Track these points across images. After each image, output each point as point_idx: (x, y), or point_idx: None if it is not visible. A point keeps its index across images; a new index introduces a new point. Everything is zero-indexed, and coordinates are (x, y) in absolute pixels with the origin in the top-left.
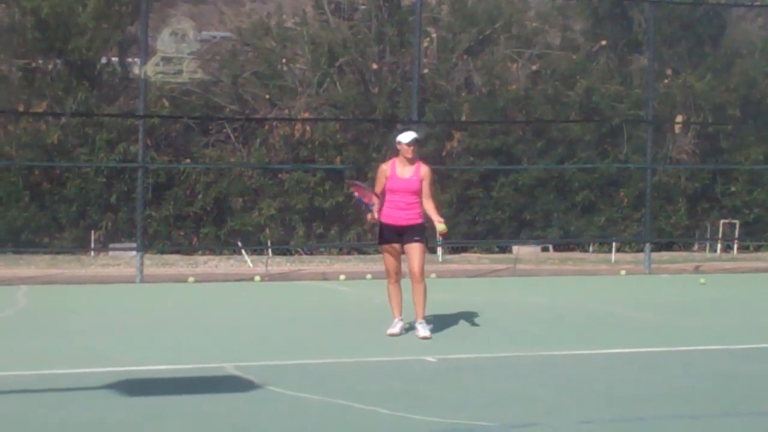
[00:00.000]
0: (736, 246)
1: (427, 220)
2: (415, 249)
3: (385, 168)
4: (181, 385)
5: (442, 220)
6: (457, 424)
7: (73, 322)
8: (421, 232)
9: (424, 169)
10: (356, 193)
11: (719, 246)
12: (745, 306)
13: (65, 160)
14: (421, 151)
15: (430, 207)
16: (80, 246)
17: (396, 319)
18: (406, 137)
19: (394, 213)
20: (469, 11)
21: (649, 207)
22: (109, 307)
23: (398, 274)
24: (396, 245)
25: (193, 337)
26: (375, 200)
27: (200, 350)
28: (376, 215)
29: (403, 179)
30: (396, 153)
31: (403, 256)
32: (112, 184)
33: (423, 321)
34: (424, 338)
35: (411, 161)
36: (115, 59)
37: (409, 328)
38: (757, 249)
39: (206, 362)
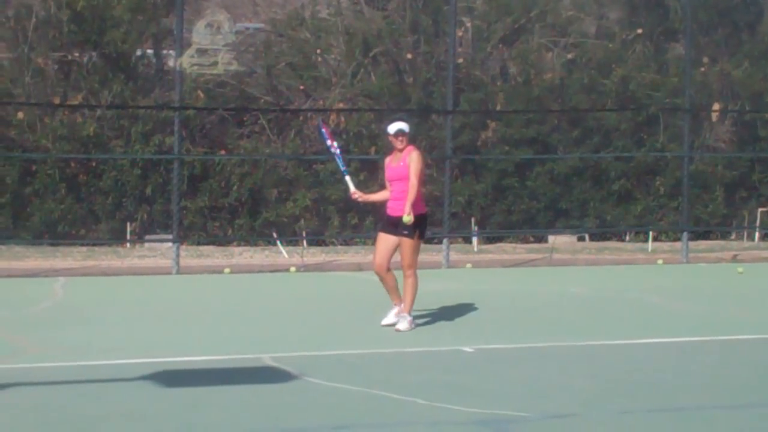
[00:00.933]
0: None
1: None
2: (402, 243)
3: (385, 160)
4: (218, 376)
5: (408, 212)
6: (496, 414)
7: (110, 314)
8: (420, 223)
9: (411, 155)
10: (324, 129)
11: (757, 234)
12: None
13: (101, 152)
14: (457, 141)
15: (410, 195)
16: (116, 238)
17: (393, 307)
18: (392, 128)
19: (392, 204)
20: (503, 0)
21: (687, 196)
22: (146, 299)
23: (381, 265)
24: (390, 236)
25: (229, 328)
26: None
27: (237, 341)
28: (352, 188)
29: (392, 168)
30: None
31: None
32: (148, 175)
33: (405, 314)
34: (397, 330)
35: (401, 150)
36: (150, 51)
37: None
38: None
39: (243, 353)
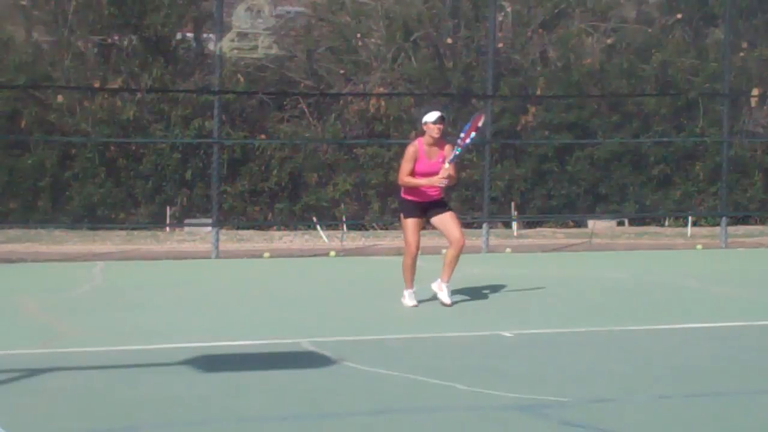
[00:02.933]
0: None
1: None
2: (448, 218)
3: (413, 151)
4: (257, 360)
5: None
6: (534, 399)
7: (150, 298)
8: (447, 202)
9: (447, 149)
10: (472, 127)
11: None
12: None
13: (141, 136)
14: (497, 126)
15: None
16: (156, 222)
17: (411, 291)
18: (432, 116)
19: (420, 192)
20: None
21: (726, 181)
22: (185, 283)
23: (418, 249)
24: (420, 220)
25: (268, 312)
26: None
27: (276, 326)
28: (447, 165)
29: (428, 163)
30: (422, 133)
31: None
32: (188, 159)
33: (448, 284)
34: (446, 305)
35: (437, 141)
36: (190, 35)
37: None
38: None
39: (282, 338)
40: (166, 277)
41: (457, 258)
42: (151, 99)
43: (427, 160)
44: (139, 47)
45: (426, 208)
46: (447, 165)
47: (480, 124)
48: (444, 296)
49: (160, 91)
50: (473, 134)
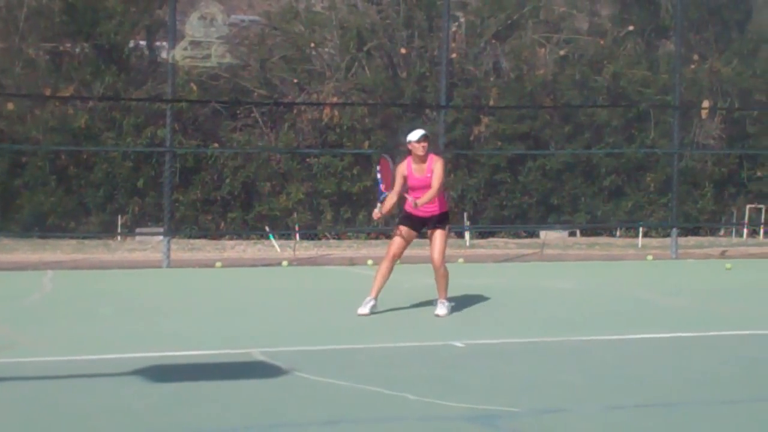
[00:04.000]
0: (762, 231)
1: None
2: (435, 236)
3: (402, 168)
4: (208, 370)
5: (416, 198)
6: (486, 409)
7: (100, 308)
8: (444, 218)
9: (434, 163)
10: (380, 169)
11: (745, 231)
12: None
13: (92, 145)
14: (450, 136)
15: (428, 194)
16: (107, 231)
17: (369, 298)
18: (415, 135)
19: (421, 209)
20: None
21: (676, 192)
22: (136, 293)
23: (396, 257)
24: (411, 231)
25: (220, 322)
26: (388, 192)
27: (227, 336)
28: (379, 211)
29: (418, 178)
30: (409, 152)
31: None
32: (140, 168)
33: (444, 300)
34: (437, 316)
35: (423, 158)
36: (143, 43)
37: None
38: None
39: (233, 348)
40: (116, 286)
41: (439, 278)
42: (103, 107)
43: (416, 175)
44: (91, 55)
45: (421, 222)
46: (378, 209)
47: (387, 165)
48: (439, 309)
49: (112, 100)
50: (383, 180)
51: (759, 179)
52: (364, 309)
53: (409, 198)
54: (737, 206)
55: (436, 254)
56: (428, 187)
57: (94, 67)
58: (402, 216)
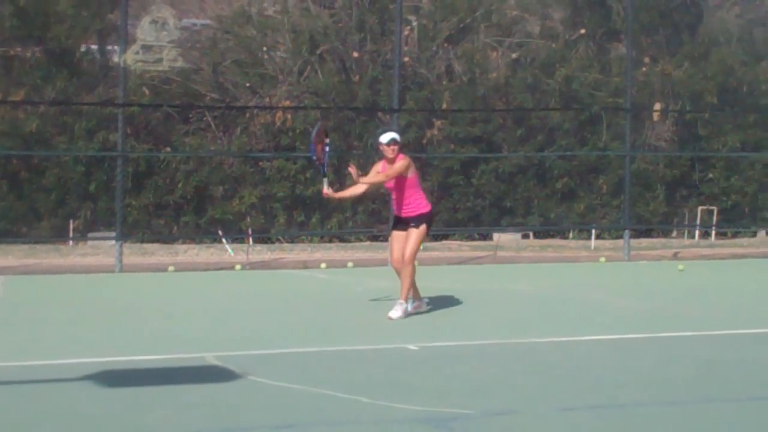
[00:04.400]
0: (713, 232)
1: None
2: (405, 236)
3: (377, 167)
4: (161, 375)
5: (345, 197)
6: (439, 412)
7: (52, 313)
8: (419, 219)
9: (398, 161)
10: (314, 136)
11: (697, 232)
12: (723, 292)
13: (44, 149)
14: (403, 139)
15: (377, 177)
16: (59, 235)
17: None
18: (385, 137)
19: (397, 207)
20: (449, 0)
21: (628, 194)
22: (88, 297)
23: (398, 260)
24: (402, 233)
25: (173, 326)
26: (321, 162)
27: (180, 340)
28: (325, 188)
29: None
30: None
31: None
32: (92, 173)
33: (402, 301)
34: (389, 318)
35: (392, 160)
36: (94, 47)
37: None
38: (735, 235)
39: (187, 352)
40: (68, 291)
41: (404, 276)
42: (55, 111)
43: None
44: (42, 59)
45: (404, 222)
46: (325, 188)
47: (316, 133)
48: (393, 311)
49: (63, 104)
50: (326, 149)
51: (710, 181)
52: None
53: (352, 171)
54: (689, 208)
55: (407, 251)
56: (403, 188)
57: (45, 71)
58: (393, 222)
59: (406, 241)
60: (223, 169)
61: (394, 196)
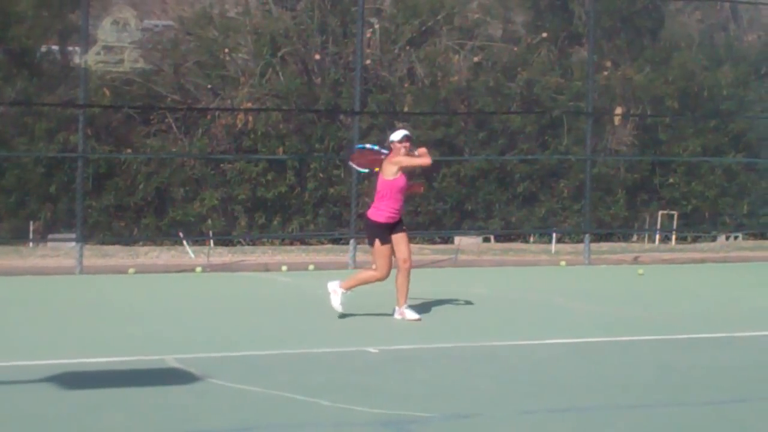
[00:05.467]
0: (674, 237)
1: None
2: (403, 238)
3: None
4: (121, 377)
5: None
6: (399, 415)
7: (11, 314)
8: (403, 222)
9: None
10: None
11: (657, 237)
12: (682, 296)
13: (4, 150)
14: (364, 142)
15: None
16: (19, 237)
17: (347, 293)
18: (398, 135)
19: (392, 212)
20: (411, 2)
21: (589, 198)
22: (48, 299)
23: (408, 260)
24: (402, 234)
25: (133, 329)
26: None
27: (141, 342)
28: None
29: (402, 176)
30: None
31: None
32: (52, 174)
33: (407, 305)
34: (417, 320)
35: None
36: (55, 48)
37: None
38: (695, 240)
39: (147, 354)
40: (28, 292)
41: (407, 280)
42: (15, 112)
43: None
44: (2, 59)
45: (392, 228)
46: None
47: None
48: (411, 315)
49: (24, 104)
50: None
51: (671, 185)
52: (340, 306)
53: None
54: (650, 212)
55: (406, 253)
56: (408, 186)
57: (5, 71)
58: (380, 233)
59: (404, 243)
60: (185, 171)
61: (393, 196)
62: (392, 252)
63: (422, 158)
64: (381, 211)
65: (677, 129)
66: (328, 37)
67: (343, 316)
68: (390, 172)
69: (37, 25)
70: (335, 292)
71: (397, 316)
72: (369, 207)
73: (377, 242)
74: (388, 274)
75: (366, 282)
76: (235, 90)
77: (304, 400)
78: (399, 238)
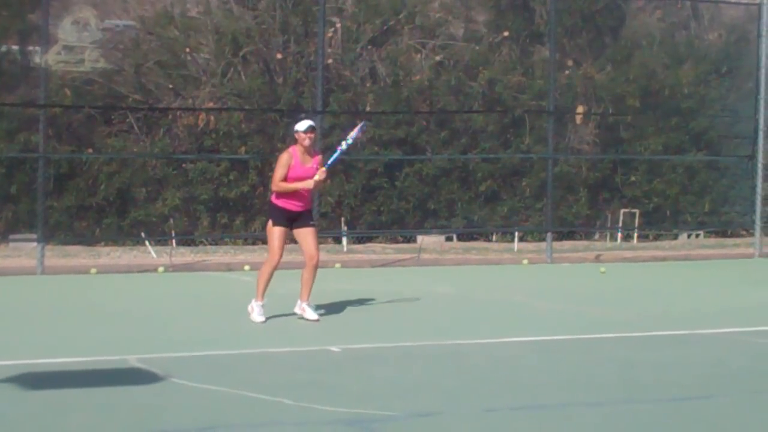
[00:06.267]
0: (636, 235)
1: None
2: (310, 233)
3: (287, 157)
4: (83, 377)
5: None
6: (362, 413)
7: None
8: (311, 216)
9: (321, 158)
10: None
11: (619, 235)
12: (644, 294)
13: None
14: (327, 142)
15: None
16: None
17: (261, 304)
18: (303, 125)
19: (292, 200)
20: (373, 2)
21: (551, 197)
22: (9, 300)
23: (280, 258)
24: (286, 229)
25: (95, 329)
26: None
27: (103, 342)
28: (323, 171)
29: (305, 168)
30: (294, 141)
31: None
32: (13, 174)
33: (311, 303)
34: (315, 321)
35: (308, 150)
36: (15, 47)
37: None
38: (657, 238)
39: (109, 354)
40: None
41: (313, 276)
42: None
43: (302, 166)
44: None
45: (293, 219)
46: (324, 168)
47: (358, 131)
48: (310, 314)
49: None
50: (350, 139)
51: (633, 184)
52: (261, 316)
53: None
54: (611, 210)
55: (314, 249)
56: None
57: None
58: (274, 214)
59: (310, 238)
60: (146, 170)
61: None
62: (286, 241)
63: (300, 184)
64: (282, 196)
65: (639, 127)
66: (289, 37)
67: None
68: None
69: None
70: (252, 309)
71: (297, 310)
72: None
73: (269, 223)
74: (278, 257)
75: (267, 278)
76: (197, 90)
77: (267, 399)
78: (306, 233)
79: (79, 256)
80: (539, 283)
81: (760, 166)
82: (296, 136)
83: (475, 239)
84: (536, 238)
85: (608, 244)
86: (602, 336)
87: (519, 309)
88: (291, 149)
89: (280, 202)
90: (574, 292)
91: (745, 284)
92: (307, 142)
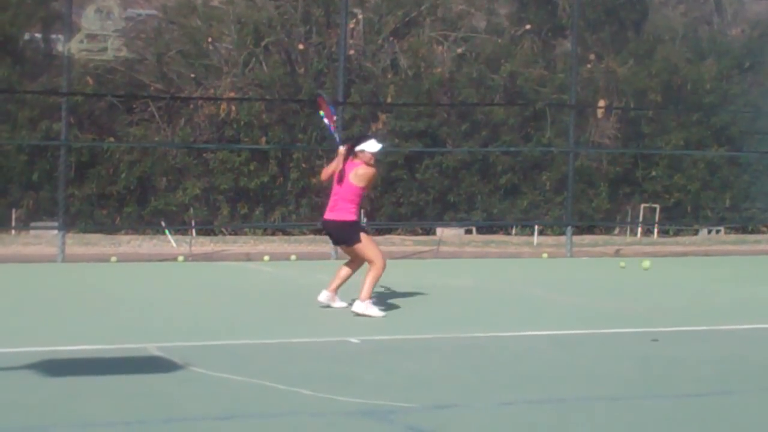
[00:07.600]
0: (656, 230)
1: None
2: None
3: (346, 164)
4: (102, 365)
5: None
6: (379, 405)
7: None
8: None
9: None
10: (321, 109)
11: (639, 230)
12: (663, 289)
13: None
14: (347, 133)
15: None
16: (1, 224)
17: (371, 301)
18: (375, 147)
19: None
20: None
21: (571, 191)
22: (30, 287)
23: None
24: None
25: (115, 317)
26: (333, 125)
27: (122, 330)
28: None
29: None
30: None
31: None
32: (35, 162)
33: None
34: (344, 307)
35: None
36: (38, 35)
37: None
38: (677, 233)
39: (128, 343)
40: (10, 280)
41: (352, 274)
42: None
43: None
44: None
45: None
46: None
47: (324, 102)
48: (339, 303)
49: (6, 92)
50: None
51: (653, 179)
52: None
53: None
54: (632, 205)
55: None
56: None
57: None
58: (361, 227)
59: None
60: (167, 160)
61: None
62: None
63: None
64: (353, 212)
65: (660, 122)
66: (311, 27)
67: (326, 306)
68: (362, 181)
69: (21, 13)
70: (369, 308)
71: (323, 299)
72: (331, 211)
73: (363, 235)
74: (385, 259)
75: (377, 280)
76: (218, 79)
77: (285, 389)
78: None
79: (99, 244)
80: (558, 277)
81: None
82: (360, 155)
83: (495, 232)
84: (556, 232)
85: (628, 238)
86: (621, 331)
87: (538, 303)
88: (352, 161)
89: (357, 217)
90: (593, 286)
91: (766, 281)
92: (368, 160)
